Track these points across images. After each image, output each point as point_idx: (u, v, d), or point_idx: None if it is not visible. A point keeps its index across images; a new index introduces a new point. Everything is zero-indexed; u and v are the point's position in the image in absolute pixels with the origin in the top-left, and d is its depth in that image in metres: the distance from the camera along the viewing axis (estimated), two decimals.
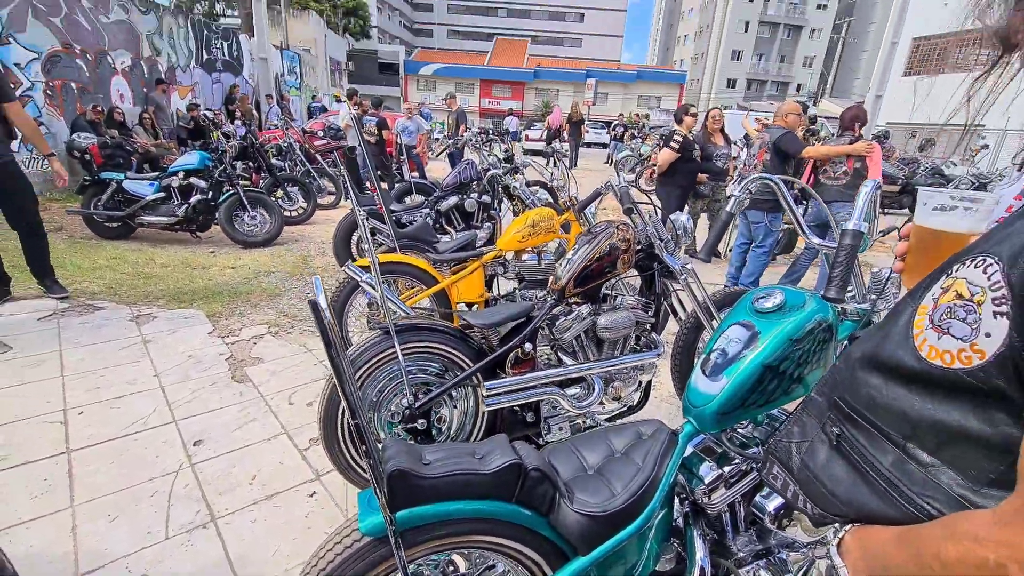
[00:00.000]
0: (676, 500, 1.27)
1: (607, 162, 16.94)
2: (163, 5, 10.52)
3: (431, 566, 1.15)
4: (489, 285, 3.05)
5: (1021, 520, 0.43)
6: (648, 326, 2.21)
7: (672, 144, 4.59)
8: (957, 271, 0.54)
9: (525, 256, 2.86)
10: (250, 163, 6.30)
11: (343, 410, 1.80)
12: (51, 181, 6.48)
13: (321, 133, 8.23)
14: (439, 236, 3.54)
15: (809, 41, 48.53)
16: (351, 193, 2.55)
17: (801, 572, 1.15)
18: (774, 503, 1.15)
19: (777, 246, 4.99)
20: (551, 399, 1.97)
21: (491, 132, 12.21)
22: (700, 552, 1.18)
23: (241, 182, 5.44)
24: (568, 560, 1.08)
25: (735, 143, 6.78)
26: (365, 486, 1.84)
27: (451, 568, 1.18)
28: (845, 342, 1.39)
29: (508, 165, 4.46)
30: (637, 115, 23.95)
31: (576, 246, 2.08)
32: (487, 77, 38.67)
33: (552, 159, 4.35)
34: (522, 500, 1.05)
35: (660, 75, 42.87)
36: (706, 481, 1.20)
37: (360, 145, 4.14)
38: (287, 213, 6.22)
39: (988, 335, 0.49)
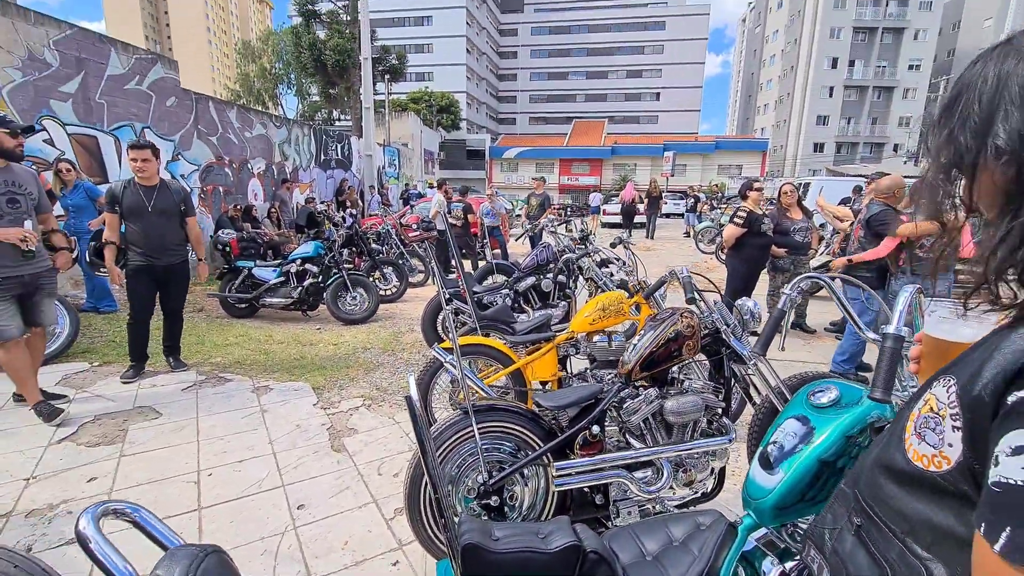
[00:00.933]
0: None
1: (686, 234, 16.79)
2: (292, 119, 12.55)
3: None
4: (563, 364, 3.19)
5: None
6: (719, 411, 2.22)
7: (736, 220, 4.62)
8: (933, 387, 0.64)
9: (596, 338, 2.98)
10: (354, 248, 7.12)
11: (425, 484, 1.98)
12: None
13: (415, 226, 9.12)
14: (517, 316, 3.78)
15: (903, 101, 46.25)
16: (438, 277, 2.87)
17: None
18: None
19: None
20: (620, 482, 2.02)
21: (569, 210, 12.66)
22: None
23: (345, 266, 6.17)
24: None
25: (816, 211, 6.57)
26: (442, 557, 1.97)
27: None
28: None
29: (582, 247, 4.71)
30: (716, 185, 23.75)
31: (642, 332, 2.20)
32: (566, 156, 40.66)
33: (622, 245, 4.54)
34: None
35: (740, 144, 42.59)
36: (767, 573, 1.21)
37: (448, 230, 4.61)
38: (382, 292, 6.86)
39: (950, 445, 0.58)
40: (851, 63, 46.15)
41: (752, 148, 40.67)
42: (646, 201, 15.77)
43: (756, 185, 4.87)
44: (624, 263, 4.04)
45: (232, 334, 5.17)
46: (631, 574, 1.18)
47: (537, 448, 2.03)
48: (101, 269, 4.48)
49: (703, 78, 56.75)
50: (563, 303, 4.63)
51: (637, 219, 16.12)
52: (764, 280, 5.17)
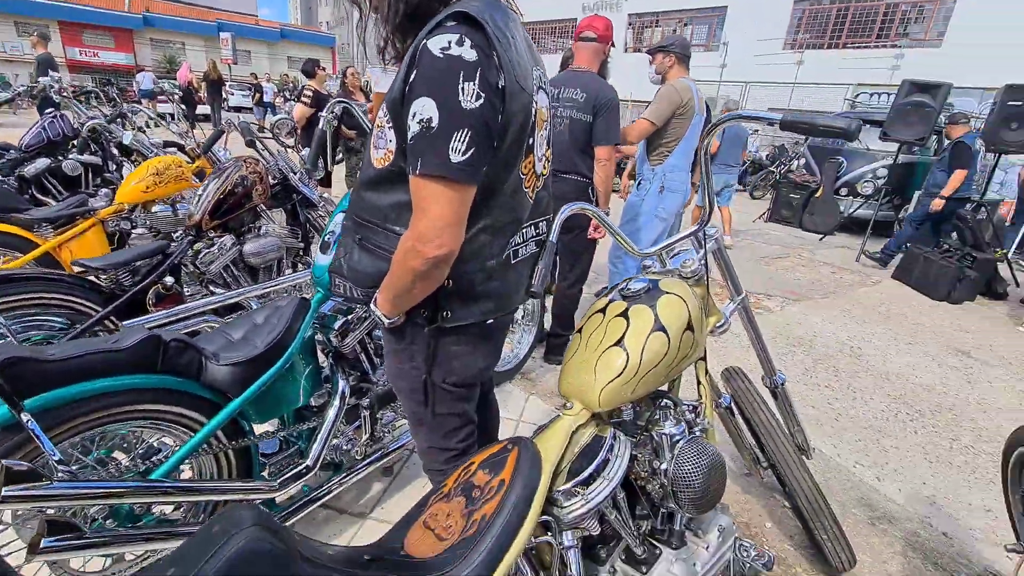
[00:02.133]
0: (321, 354, 1.64)
1: (260, 128, 15.61)
2: None
3: (84, 444, 1.20)
4: (122, 244, 2.71)
5: (412, 227, 0.91)
6: (299, 250, 2.48)
7: (304, 99, 4.77)
8: (378, 119, 1.00)
9: (156, 208, 2.67)
10: None
11: None
12: None
13: None
14: (31, 206, 2.90)
15: None
16: None
17: None
18: None
19: None
20: (208, 327, 2.05)
21: (91, 87, 9.66)
22: (341, 384, 1.58)
23: None
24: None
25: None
26: None
27: (108, 444, 1.26)
28: None
29: (113, 111, 3.82)
30: (286, 75, 22.58)
31: (206, 182, 2.15)
32: (72, 19, 29.20)
33: (173, 104, 3.96)
34: (168, 369, 1.22)
35: (307, 36, 40.84)
36: (336, 327, 1.60)
37: None
38: None
39: (391, 141, 0.96)
40: None
41: (320, 42, 39.66)
42: (203, 86, 13.56)
43: (322, 65, 5.03)
44: (177, 125, 3.58)
45: None
46: (219, 354, 1.34)
47: (94, 314, 1.79)
48: None
49: None
50: (104, 190, 3.76)
51: (201, 110, 13.76)
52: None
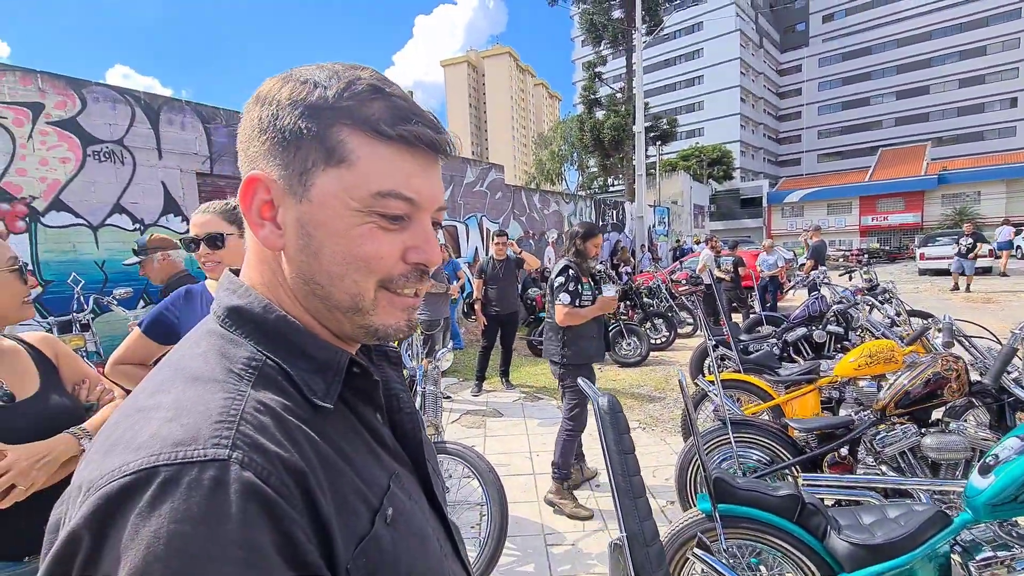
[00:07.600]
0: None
1: None
2: (577, 194, 14.85)
3: (741, 548, 1.84)
4: (833, 410, 3.34)
5: None
6: None
7: None
8: None
9: (863, 383, 3.11)
10: (628, 302, 8.18)
11: (689, 476, 2.65)
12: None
13: (684, 282, 9.73)
14: (783, 364, 4.05)
15: None
16: (704, 326, 3.53)
17: None
18: None
19: None
20: (868, 502, 2.27)
21: (869, 255, 11.17)
22: None
23: (621, 317, 7.23)
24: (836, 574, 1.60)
25: None
26: None
27: (752, 556, 1.83)
28: None
29: (867, 296, 4.59)
30: None
31: (898, 372, 2.43)
32: (869, 193, 34.41)
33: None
34: (801, 523, 1.68)
35: None
36: (978, 558, 1.49)
37: (713, 285, 5.14)
38: (653, 340, 7.63)
39: None
40: None
41: None
42: None
43: None
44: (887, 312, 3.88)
45: (537, 368, 6.74)
46: (844, 529, 1.65)
47: (785, 461, 2.47)
48: (471, 317, 6.61)
49: None
50: (840, 356, 4.55)
51: None
52: None
